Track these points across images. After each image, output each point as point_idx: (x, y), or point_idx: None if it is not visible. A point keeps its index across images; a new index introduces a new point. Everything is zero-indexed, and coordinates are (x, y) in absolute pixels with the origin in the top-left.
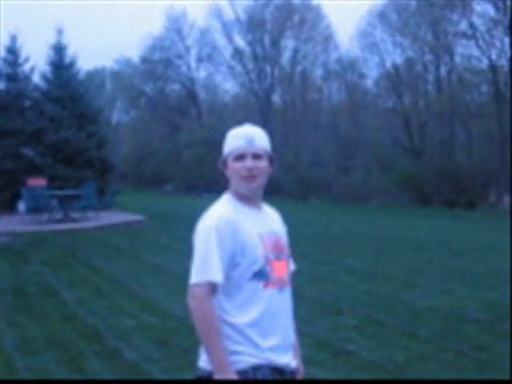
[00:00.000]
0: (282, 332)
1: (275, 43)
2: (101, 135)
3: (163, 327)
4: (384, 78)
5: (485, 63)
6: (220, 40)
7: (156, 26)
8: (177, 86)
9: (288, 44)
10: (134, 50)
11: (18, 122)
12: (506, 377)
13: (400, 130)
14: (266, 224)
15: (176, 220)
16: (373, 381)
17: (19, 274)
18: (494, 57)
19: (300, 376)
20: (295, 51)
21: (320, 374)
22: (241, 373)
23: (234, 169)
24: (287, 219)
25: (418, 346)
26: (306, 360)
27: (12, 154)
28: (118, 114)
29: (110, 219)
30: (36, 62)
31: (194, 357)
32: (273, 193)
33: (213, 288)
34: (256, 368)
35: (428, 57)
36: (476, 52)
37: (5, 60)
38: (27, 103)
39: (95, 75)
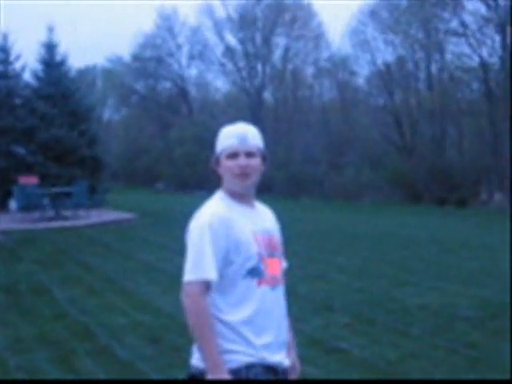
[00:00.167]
0: (276, 330)
1: (266, 41)
2: (92, 133)
3: (155, 325)
4: (375, 76)
5: (476, 61)
6: (211, 38)
7: (147, 23)
8: (168, 84)
9: (279, 42)
10: (125, 48)
11: (9, 120)
12: (500, 375)
13: (391, 128)
14: (259, 222)
15: (167, 218)
16: (366, 381)
17: (10, 273)
18: (484, 55)
19: (296, 373)
20: (286, 49)
21: (312, 372)
22: (234, 371)
23: (226, 167)
24: (278, 217)
25: (409, 343)
26: (298, 358)
27: (3, 152)
28: (110, 112)
29: (101, 217)
30: (27, 59)
31: (187, 354)
32: (264, 190)
33: (206, 286)
34: (249, 367)
35: (419, 55)
36: (467, 50)
37: None
38: (18, 101)
39: (86, 73)
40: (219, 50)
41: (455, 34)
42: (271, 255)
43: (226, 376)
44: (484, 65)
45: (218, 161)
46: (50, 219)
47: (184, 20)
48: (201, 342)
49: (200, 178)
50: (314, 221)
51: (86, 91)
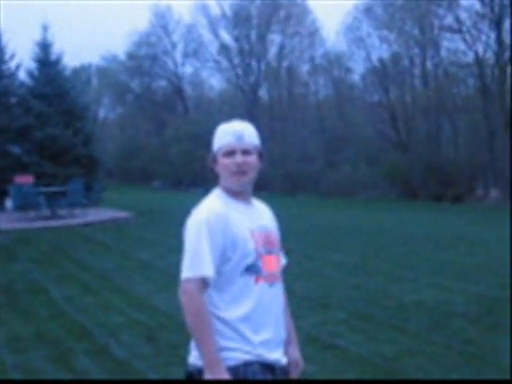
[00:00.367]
0: (274, 327)
1: (261, 38)
2: (87, 132)
3: (152, 323)
4: (370, 73)
5: (471, 57)
6: (206, 36)
7: (142, 22)
8: (163, 82)
9: (274, 39)
10: (120, 47)
11: (5, 119)
12: (498, 372)
13: (387, 125)
14: (257, 219)
15: (164, 216)
16: (364, 381)
17: (7, 272)
18: (480, 51)
19: (299, 370)
20: (281, 46)
21: (309, 369)
22: (231, 369)
23: (223, 165)
24: (275, 214)
25: (406, 339)
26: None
27: None
28: (105, 111)
29: (97, 216)
30: (22, 58)
31: (184, 352)
32: (260, 188)
33: (204, 283)
34: (246, 364)
35: (414, 51)
36: (462, 46)
37: None
38: (13, 100)
39: (81, 72)
40: (214, 47)
41: (450, 30)
42: (269, 252)
43: (224, 374)
44: (479, 61)
45: (214, 159)
46: (46, 218)
47: (179, 18)
48: (198, 340)
49: (196, 176)
50: (310, 218)
51: (81, 90)
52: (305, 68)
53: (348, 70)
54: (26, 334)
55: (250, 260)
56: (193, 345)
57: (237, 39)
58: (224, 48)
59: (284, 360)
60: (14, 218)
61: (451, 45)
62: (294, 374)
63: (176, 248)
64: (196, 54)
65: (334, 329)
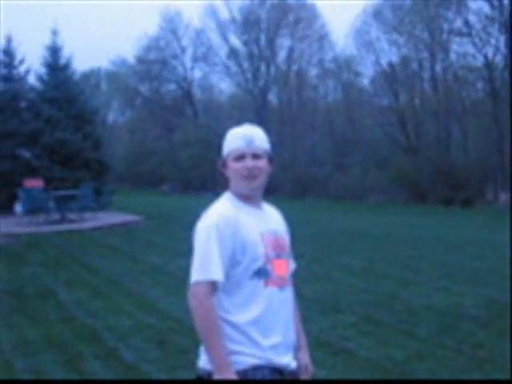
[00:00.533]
0: (283, 331)
1: (270, 42)
2: (97, 136)
3: (161, 327)
4: (380, 77)
5: (480, 61)
6: (215, 40)
7: (151, 26)
8: (172, 86)
9: (283, 43)
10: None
11: (14, 124)
12: (506, 376)
13: (396, 128)
14: (267, 223)
15: (173, 220)
16: (371, 381)
17: (17, 276)
18: (489, 54)
19: (309, 375)
20: (291, 50)
21: (319, 373)
22: (240, 373)
23: (234, 169)
24: (284, 218)
25: (415, 343)
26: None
27: (8, 156)
28: (114, 115)
29: (106, 220)
30: (31, 63)
31: (193, 356)
32: (269, 192)
33: (213, 286)
34: (255, 368)
35: (423, 55)
36: (471, 49)
37: (0, 61)
38: (23, 104)
39: (91, 76)
40: (223, 51)
41: (459, 33)
42: (278, 256)
43: (233, 376)
44: (488, 64)
45: (225, 163)
46: (56, 222)
47: (188, 22)
48: (207, 343)
49: (205, 180)
50: (319, 221)
51: (91, 94)
52: (314, 72)
53: (357, 74)
54: (36, 338)
55: (259, 264)
56: (202, 349)
57: (246, 43)
58: (233, 52)
59: (294, 364)
60: (23, 222)
61: (460, 48)
62: (304, 379)
63: (185, 252)
64: (205, 58)
65: (343, 333)
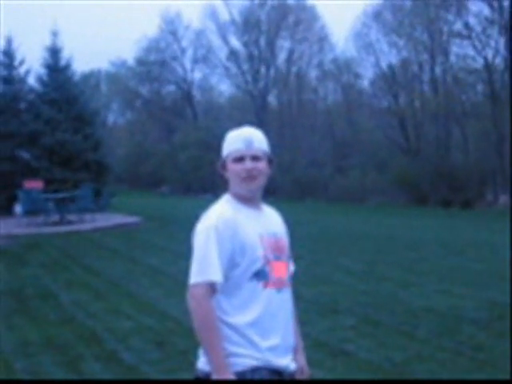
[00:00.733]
0: (282, 332)
1: (270, 44)
2: (97, 137)
3: (161, 328)
4: (379, 79)
5: (480, 63)
6: (215, 41)
7: (151, 27)
8: (172, 88)
9: (283, 45)
10: (129, 52)
11: (14, 125)
12: (506, 376)
13: (396, 130)
14: (266, 225)
15: (173, 221)
16: (370, 381)
17: (16, 277)
18: (489, 56)
19: (305, 377)
20: (290, 52)
21: (318, 375)
22: (239, 375)
23: (233, 171)
24: (283, 220)
25: (415, 345)
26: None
27: (8, 157)
28: (114, 116)
29: (106, 221)
30: (31, 64)
31: (193, 358)
32: (269, 193)
33: (212, 288)
34: (254, 370)
35: (423, 57)
36: (471, 52)
37: (0, 63)
38: (23, 106)
39: (91, 77)
40: (223, 53)
41: (459, 35)
42: (277, 258)
43: (231, 377)
44: (488, 66)
45: (224, 165)
46: (55, 223)
47: (188, 24)
48: (206, 345)
49: (205, 182)
50: (319, 223)
51: (91, 95)
52: (314, 74)
53: (357, 76)
54: (36, 339)
55: (258, 266)
56: (201, 350)
57: (246, 45)
58: (233, 54)
59: (293, 366)
60: (23, 223)
61: (460, 50)
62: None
63: (185, 253)
64: (205, 60)
65: (343, 334)
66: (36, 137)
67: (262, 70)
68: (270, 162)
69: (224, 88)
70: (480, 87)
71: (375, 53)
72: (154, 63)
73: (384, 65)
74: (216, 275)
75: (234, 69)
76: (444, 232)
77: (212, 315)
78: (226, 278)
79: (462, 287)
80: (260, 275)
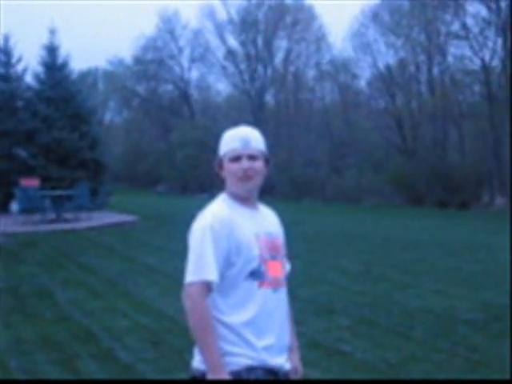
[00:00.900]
0: (277, 332)
1: (268, 44)
2: (94, 135)
3: (157, 327)
4: (377, 79)
5: (477, 64)
6: (213, 40)
7: (149, 26)
8: (169, 87)
9: (281, 44)
10: (126, 51)
11: (11, 123)
12: (504, 377)
13: (393, 131)
14: (262, 224)
15: (169, 220)
16: (364, 381)
17: (12, 275)
18: (486, 57)
19: (298, 377)
20: (288, 52)
21: (314, 375)
22: (234, 374)
23: (230, 170)
24: (280, 219)
25: (411, 346)
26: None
27: (5, 155)
28: (111, 115)
29: (103, 220)
30: (29, 62)
31: (188, 357)
32: (265, 193)
33: (208, 287)
34: (249, 369)
35: (420, 57)
36: (469, 52)
37: None
38: (20, 104)
39: (88, 75)
40: (221, 52)
41: (457, 36)
42: (273, 258)
43: (226, 376)
44: (485, 67)
45: (221, 164)
46: (52, 222)
47: (185, 23)
48: (201, 344)
49: (202, 181)
50: (315, 223)
51: (88, 94)
52: (311, 74)
53: (354, 76)
54: (32, 337)
55: (254, 265)
56: (197, 349)
57: (243, 44)
58: (230, 53)
59: (288, 366)
60: (19, 221)
61: (458, 51)
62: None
63: (181, 252)
64: (202, 59)
65: (338, 335)
66: (33, 135)
67: (260, 69)
68: (266, 161)
69: (221, 87)
70: (477, 88)
71: (372, 53)
72: (152, 62)
73: (381, 65)
74: (212, 274)
75: (231, 68)
76: (440, 233)
77: (207, 314)
78: (222, 277)
79: (458, 288)
80: (256, 275)
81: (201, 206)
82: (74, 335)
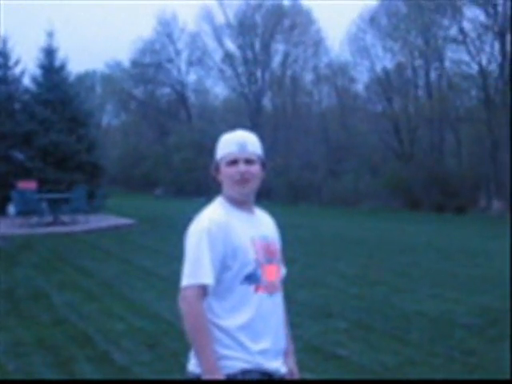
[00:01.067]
0: (273, 336)
1: (266, 47)
2: (91, 138)
3: (153, 330)
4: (374, 83)
5: (475, 68)
6: (210, 44)
7: (147, 29)
8: (167, 90)
9: (278, 48)
10: (124, 54)
11: (9, 125)
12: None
13: (390, 135)
14: (258, 228)
15: (166, 224)
16: (360, 381)
17: (9, 277)
18: (483, 62)
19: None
20: (285, 55)
21: (310, 378)
22: (230, 377)
23: (226, 174)
24: (277, 223)
25: (408, 350)
26: (296, 364)
27: (2, 157)
28: (108, 118)
29: (99, 222)
30: (26, 64)
31: (185, 360)
32: (262, 197)
33: (203, 291)
34: (245, 373)
35: (418, 61)
36: (466, 57)
37: None
38: (17, 106)
39: (86, 78)
40: (218, 55)
41: (454, 41)
42: (269, 261)
43: (222, 379)
44: (483, 72)
45: (217, 168)
46: (49, 224)
47: (183, 26)
48: (196, 347)
49: (199, 185)
50: (312, 227)
51: (85, 96)
52: (309, 77)
53: (352, 80)
54: (28, 340)
55: (249, 269)
56: (192, 352)
57: (241, 48)
58: (228, 56)
59: (283, 369)
60: (16, 223)
61: (455, 56)
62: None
63: (178, 256)
64: (200, 62)
65: (335, 338)
66: (30, 137)
67: (257, 73)
68: (263, 165)
69: (219, 90)
70: (474, 92)
71: (370, 57)
72: (149, 65)
73: (379, 69)
74: (208, 278)
75: (228, 71)
76: (437, 237)
77: (203, 318)
78: (218, 280)
79: (455, 292)
80: (252, 278)
81: (197, 210)
82: (71, 338)
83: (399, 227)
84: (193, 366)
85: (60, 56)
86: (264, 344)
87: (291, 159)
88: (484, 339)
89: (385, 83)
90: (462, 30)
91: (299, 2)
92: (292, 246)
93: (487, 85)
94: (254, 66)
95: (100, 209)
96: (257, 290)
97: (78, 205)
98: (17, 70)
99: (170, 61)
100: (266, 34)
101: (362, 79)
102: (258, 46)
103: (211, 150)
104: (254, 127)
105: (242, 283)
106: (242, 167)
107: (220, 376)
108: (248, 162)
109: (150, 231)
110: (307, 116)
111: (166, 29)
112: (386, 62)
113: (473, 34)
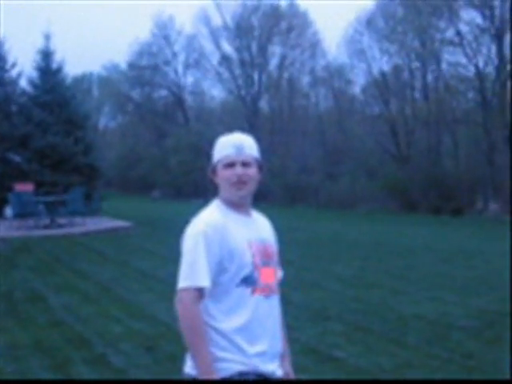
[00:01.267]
0: (269, 339)
1: (262, 49)
2: (88, 140)
3: (150, 333)
4: (371, 85)
5: (471, 71)
6: (207, 46)
7: (144, 31)
8: (164, 92)
9: (275, 50)
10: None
11: (5, 127)
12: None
13: (387, 137)
14: (255, 231)
15: (163, 226)
16: (353, 381)
17: (6, 280)
18: (480, 64)
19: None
20: (282, 58)
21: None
22: (226, 380)
23: (223, 176)
24: (274, 226)
25: (405, 352)
26: (293, 366)
27: None
28: (105, 120)
29: (96, 225)
30: (23, 66)
31: (182, 363)
32: (259, 199)
33: (200, 293)
34: (241, 375)
35: (415, 64)
36: (463, 59)
37: None
38: (14, 108)
39: (83, 81)
40: (215, 58)
41: (451, 43)
42: (266, 264)
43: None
44: (480, 74)
45: (214, 170)
46: (46, 227)
47: (180, 28)
48: (193, 349)
49: (196, 187)
50: (309, 229)
51: (82, 99)
52: (306, 80)
53: (349, 82)
54: (25, 342)
55: (246, 271)
56: (188, 355)
57: (238, 50)
58: (225, 59)
59: (280, 372)
60: (13, 226)
61: (452, 58)
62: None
63: (175, 258)
64: (197, 65)
65: (332, 341)
66: (27, 139)
67: (254, 75)
68: (260, 168)
69: (216, 93)
70: (471, 95)
71: (367, 59)
72: (146, 67)
73: (376, 71)
74: (204, 280)
75: (225, 74)
76: (434, 239)
77: (199, 320)
78: (214, 283)
79: (452, 294)
80: (248, 281)
81: (195, 212)
82: (68, 340)
83: (396, 229)
84: (189, 368)
85: (57, 58)
86: (260, 346)
87: (288, 161)
88: (481, 341)
89: (382, 85)
90: (458, 33)
91: (296, 4)
92: (289, 249)
93: (484, 87)
94: (251, 68)
95: (97, 211)
96: (253, 292)
97: (75, 207)
98: (14, 72)
99: (167, 63)
100: (262, 36)
101: (358, 81)
102: (254, 48)
103: (208, 153)
104: (250, 129)
105: (238, 286)
106: (238, 170)
107: (216, 378)
108: (245, 164)
109: (148, 233)
110: (304, 118)
111: (163, 31)
112: (382, 64)
113: (469, 37)
